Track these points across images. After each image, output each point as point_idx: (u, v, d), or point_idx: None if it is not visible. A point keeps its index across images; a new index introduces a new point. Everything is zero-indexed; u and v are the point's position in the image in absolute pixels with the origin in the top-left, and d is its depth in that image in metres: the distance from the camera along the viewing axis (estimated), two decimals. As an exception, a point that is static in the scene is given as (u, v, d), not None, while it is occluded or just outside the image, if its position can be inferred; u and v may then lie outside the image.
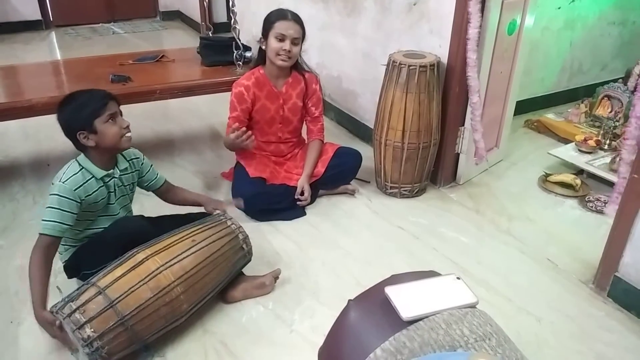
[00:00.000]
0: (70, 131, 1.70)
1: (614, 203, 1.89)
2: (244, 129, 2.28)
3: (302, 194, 2.40)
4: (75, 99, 1.71)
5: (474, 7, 2.21)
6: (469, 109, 2.49)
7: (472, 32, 2.25)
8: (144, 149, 1.94)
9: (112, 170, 1.78)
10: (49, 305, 1.56)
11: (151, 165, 1.97)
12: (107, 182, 1.77)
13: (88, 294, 1.50)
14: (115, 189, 1.81)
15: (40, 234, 1.63)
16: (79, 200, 1.67)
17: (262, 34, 2.30)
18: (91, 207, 1.74)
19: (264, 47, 2.32)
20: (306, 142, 2.60)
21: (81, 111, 1.67)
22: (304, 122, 2.56)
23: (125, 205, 1.91)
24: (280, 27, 2.23)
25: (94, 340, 1.44)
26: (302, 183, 2.40)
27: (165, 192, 2.05)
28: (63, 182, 1.66)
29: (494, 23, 2.36)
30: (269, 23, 2.27)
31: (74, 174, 1.69)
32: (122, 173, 1.83)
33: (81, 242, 1.80)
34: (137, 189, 1.98)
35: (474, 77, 2.34)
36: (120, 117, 1.75)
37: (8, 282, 1.96)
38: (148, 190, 2.02)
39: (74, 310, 1.45)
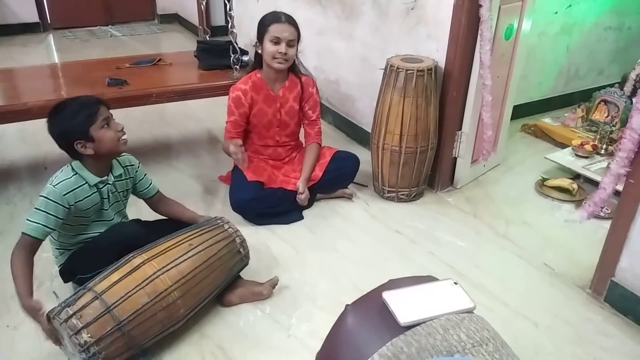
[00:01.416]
0: (65, 142, 1.68)
1: (585, 210, 1.87)
2: (243, 149, 2.23)
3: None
4: (65, 108, 1.68)
5: (485, 13, 2.23)
6: (468, 112, 2.49)
7: (487, 34, 2.27)
8: (141, 152, 1.94)
9: (106, 177, 1.77)
10: (45, 310, 1.55)
11: (145, 174, 1.95)
12: (101, 188, 1.76)
13: (85, 299, 1.49)
14: (109, 195, 1.80)
15: (23, 233, 1.62)
16: (67, 206, 1.66)
17: (257, 38, 2.30)
18: (83, 213, 1.73)
19: (259, 51, 2.32)
20: (304, 145, 2.61)
21: (74, 120, 1.65)
22: (302, 125, 2.57)
23: (120, 211, 1.90)
24: (274, 30, 2.23)
25: (90, 345, 1.43)
26: (301, 185, 2.40)
27: (157, 202, 2.01)
28: (54, 186, 1.65)
29: (491, 28, 2.37)
30: (263, 27, 2.27)
31: (66, 179, 1.68)
32: (116, 179, 1.81)
33: (77, 246, 1.80)
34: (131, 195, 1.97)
35: (488, 76, 2.35)
36: (113, 121, 1.74)
37: (5, 285, 1.94)
38: (139, 198, 2.00)
39: (71, 316, 1.44)
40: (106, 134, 1.69)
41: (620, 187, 1.84)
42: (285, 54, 2.25)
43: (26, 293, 1.55)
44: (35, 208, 1.63)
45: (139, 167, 1.92)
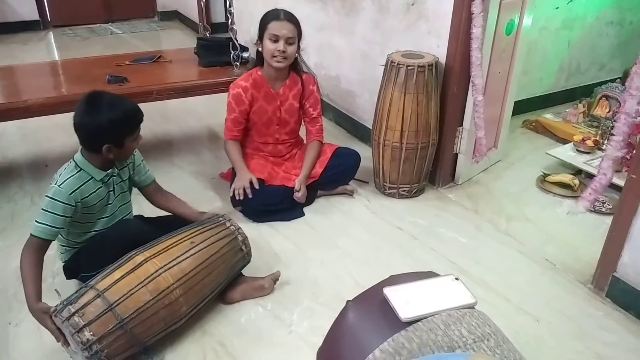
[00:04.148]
0: (94, 137, 1.65)
1: (586, 199, 1.86)
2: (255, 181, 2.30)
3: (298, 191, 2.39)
4: (115, 108, 1.64)
5: (477, 8, 2.22)
6: (469, 108, 2.49)
7: (477, 31, 2.25)
8: (142, 149, 1.92)
9: (110, 170, 1.77)
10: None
11: (142, 160, 1.93)
12: (107, 181, 1.76)
13: (87, 297, 1.49)
14: (114, 187, 1.80)
15: (31, 234, 1.61)
16: (74, 204, 1.65)
17: (258, 36, 2.30)
18: (89, 209, 1.73)
19: (260, 49, 2.32)
20: (304, 142, 2.60)
21: (119, 124, 1.65)
22: (303, 123, 2.56)
23: (126, 204, 1.88)
24: (273, 27, 2.22)
25: (93, 343, 1.44)
26: (299, 182, 2.39)
27: (153, 193, 1.97)
28: (59, 186, 1.63)
29: (492, 23, 2.37)
30: (263, 25, 2.26)
31: (71, 176, 1.66)
32: (119, 168, 1.81)
33: (82, 243, 1.79)
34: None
35: (478, 75, 2.34)
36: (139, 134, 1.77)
37: (6, 283, 1.96)
38: (135, 186, 1.96)
39: (73, 314, 1.45)
40: (133, 145, 1.73)
41: (620, 182, 1.83)
42: (284, 51, 2.24)
43: (33, 296, 1.55)
44: (42, 209, 1.62)
45: (135, 152, 1.89)
